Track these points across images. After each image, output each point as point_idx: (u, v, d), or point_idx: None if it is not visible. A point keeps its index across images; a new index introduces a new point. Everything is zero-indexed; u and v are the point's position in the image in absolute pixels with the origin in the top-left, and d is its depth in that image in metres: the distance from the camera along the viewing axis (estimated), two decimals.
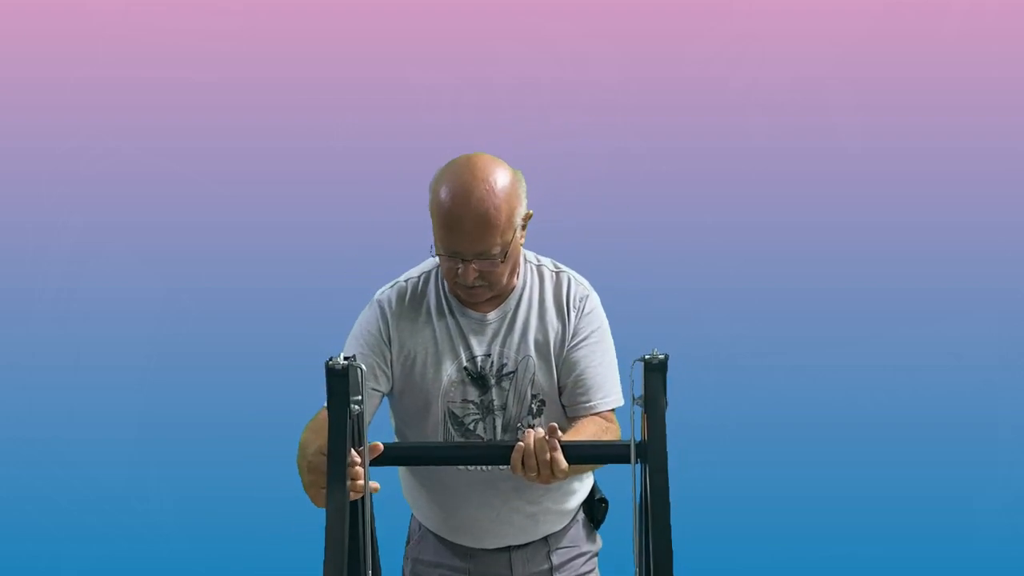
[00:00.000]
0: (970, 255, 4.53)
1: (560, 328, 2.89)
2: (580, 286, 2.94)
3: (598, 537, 3.09)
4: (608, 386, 2.89)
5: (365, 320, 2.93)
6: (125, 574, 4.44)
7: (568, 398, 2.90)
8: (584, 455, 2.78)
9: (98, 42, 4.52)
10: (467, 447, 2.84)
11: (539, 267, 2.95)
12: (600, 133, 4.54)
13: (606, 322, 2.96)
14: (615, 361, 2.95)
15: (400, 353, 2.90)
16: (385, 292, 2.94)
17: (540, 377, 2.88)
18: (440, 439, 2.90)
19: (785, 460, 4.47)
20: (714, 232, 4.56)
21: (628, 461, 2.57)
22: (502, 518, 2.94)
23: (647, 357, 2.53)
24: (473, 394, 2.88)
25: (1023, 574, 4.43)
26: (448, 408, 2.89)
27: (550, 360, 2.88)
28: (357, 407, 2.53)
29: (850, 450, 4.48)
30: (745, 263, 4.55)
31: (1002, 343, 4.55)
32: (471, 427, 2.89)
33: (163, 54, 4.51)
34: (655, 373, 2.51)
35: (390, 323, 2.90)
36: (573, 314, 2.90)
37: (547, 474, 2.60)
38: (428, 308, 2.91)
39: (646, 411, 2.51)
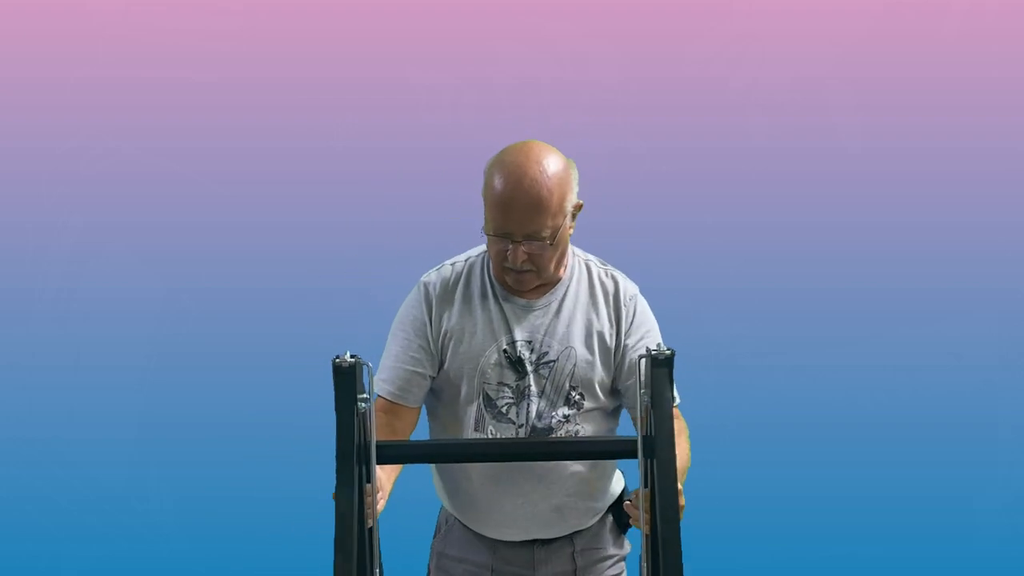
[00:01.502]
0: (970, 255, 4.53)
1: (611, 327, 2.93)
2: (630, 284, 2.99)
3: (626, 541, 3.08)
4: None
5: (409, 304, 2.99)
6: (125, 574, 4.44)
7: (636, 399, 2.89)
8: (591, 451, 2.81)
9: (98, 42, 4.52)
10: (482, 444, 2.85)
11: (587, 262, 3.00)
12: (600, 133, 4.54)
13: (652, 316, 3.00)
14: None
15: (441, 333, 2.93)
16: (430, 275, 2.99)
17: (582, 370, 2.90)
18: (472, 421, 2.92)
19: (785, 460, 4.47)
20: (714, 232, 4.56)
21: (635, 456, 2.59)
22: (527, 509, 2.93)
23: (653, 352, 2.54)
24: (509, 378, 2.89)
25: (1023, 574, 4.43)
26: (483, 390, 2.91)
27: (594, 355, 2.90)
28: (363, 405, 2.53)
29: (850, 450, 4.48)
30: (745, 263, 4.55)
31: (1002, 343, 4.55)
32: (503, 410, 2.90)
33: (163, 54, 4.50)
34: (661, 369, 2.52)
35: (432, 304, 2.95)
36: (625, 313, 2.94)
37: None
38: (472, 292, 2.95)
39: (653, 407, 2.52)
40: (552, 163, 2.82)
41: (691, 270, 4.49)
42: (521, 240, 2.80)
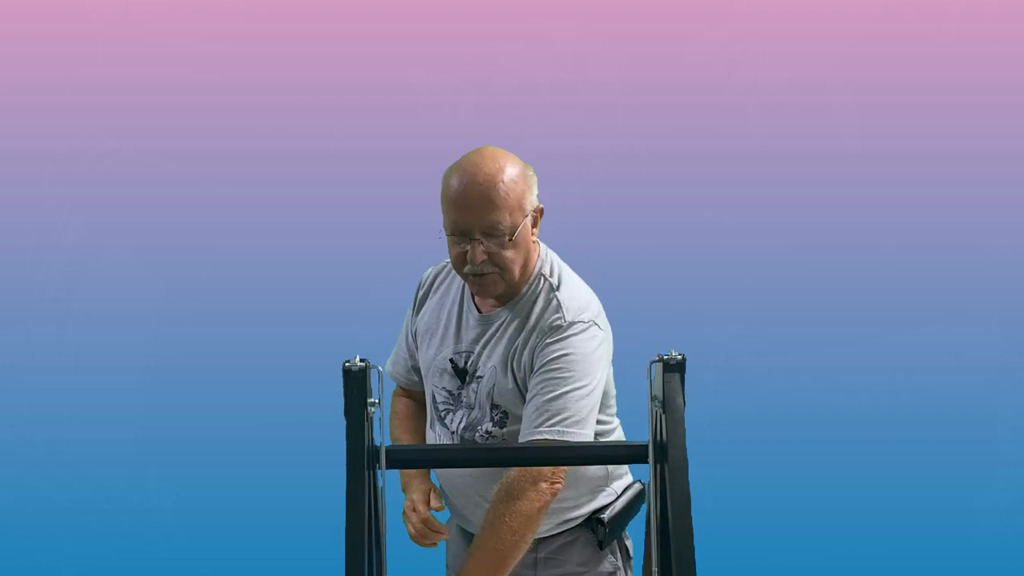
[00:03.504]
0: (970, 255, 4.54)
1: (529, 353, 2.85)
2: (558, 315, 2.86)
3: (608, 559, 2.99)
4: (541, 419, 2.79)
5: (413, 296, 3.07)
6: (125, 574, 4.44)
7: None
8: (601, 455, 2.80)
9: (98, 42, 4.52)
10: (489, 450, 2.85)
11: (548, 283, 2.91)
12: (600, 133, 4.54)
13: (577, 355, 2.84)
14: (574, 395, 2.83)
15: (415, 328, 3.01)
16: (430, 268, 3.05)
17: (500, 393, 2.88)
18: (429, 418, 2.99)
19: (785, 460, 4.47)
20: (714, 232, 4.56)
21: (645, 461, 2.58)
22: (480, 505, 2.89)
23: (665, 357, 2.54)
24: (451, 384, 2.91)
25: (1023, 574, 4.43)
26: (432, 390, 2.95)
27: (511, 380, 2.86)
28: (373, 409, 2.53)
29: (850, 450, 4.48)
30: (745, 263, 4.55)
31: (1002, 343, 4.56)
32: (443, 413, 2.93)
33: (163, 54, 4.51)
34: (673, 373, 2.52)
35: (418, 298, 3.03)
36: (539, 344, 2.84)
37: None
38: (449, 293, 2.97)
39: (664, 411, 2.51)
40: (508, 163, 2.81)
41: (691, 270, 4.50)
42: (479, 237, 2.77)
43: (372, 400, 2.53)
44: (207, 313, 4.55)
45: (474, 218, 2.76)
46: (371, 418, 2.54)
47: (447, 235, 2.81)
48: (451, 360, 2.91)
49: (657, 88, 4.54)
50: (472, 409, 2.90)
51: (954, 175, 4.54)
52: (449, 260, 2.93)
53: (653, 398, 2.58)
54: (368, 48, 4.53)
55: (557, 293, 2.89)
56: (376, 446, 2.59)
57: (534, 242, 2.88)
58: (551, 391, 2.79)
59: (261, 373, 4.45)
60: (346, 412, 2.52)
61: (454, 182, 2.79)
